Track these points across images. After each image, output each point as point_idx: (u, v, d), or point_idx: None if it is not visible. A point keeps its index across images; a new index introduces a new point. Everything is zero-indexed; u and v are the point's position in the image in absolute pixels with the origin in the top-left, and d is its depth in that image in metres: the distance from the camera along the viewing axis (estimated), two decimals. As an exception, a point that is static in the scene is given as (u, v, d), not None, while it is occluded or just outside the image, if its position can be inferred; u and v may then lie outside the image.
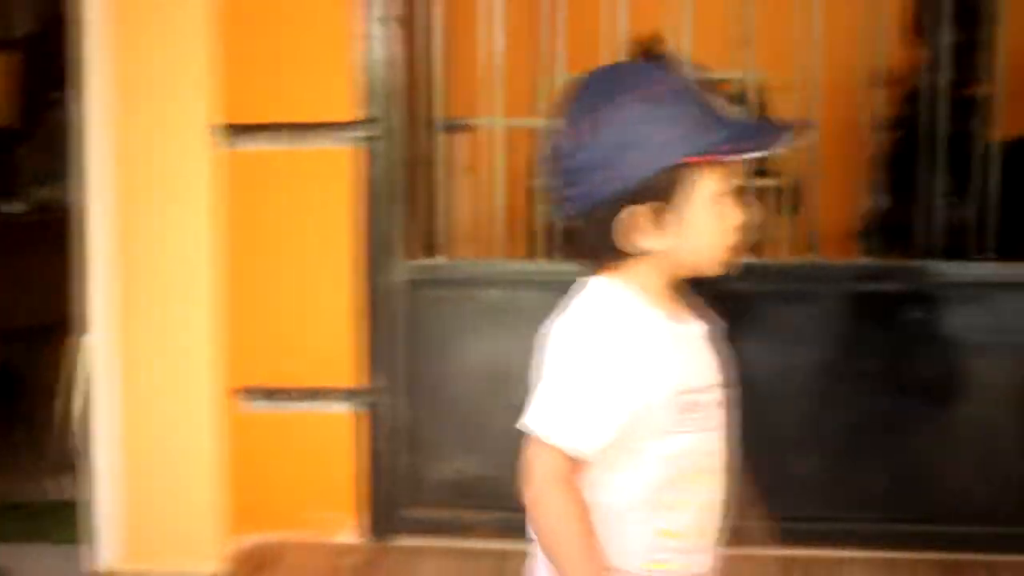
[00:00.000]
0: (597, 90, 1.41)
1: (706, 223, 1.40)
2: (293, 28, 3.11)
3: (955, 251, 3.13)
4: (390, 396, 3.14)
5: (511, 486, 3.09)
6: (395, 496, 3.17)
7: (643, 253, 1.41)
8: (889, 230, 3.63)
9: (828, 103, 3.46)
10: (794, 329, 3.03)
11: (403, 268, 3.12)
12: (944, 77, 3.07)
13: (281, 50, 3.11)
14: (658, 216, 1.38)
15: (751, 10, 3.07)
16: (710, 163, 1.38)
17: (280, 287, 3.15)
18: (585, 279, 1.45)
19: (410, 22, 3.15)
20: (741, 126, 1.42)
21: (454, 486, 3.16)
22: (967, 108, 3.14)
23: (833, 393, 3.03)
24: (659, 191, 1.38)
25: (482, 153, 3.51)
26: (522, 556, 3.02)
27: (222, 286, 3.11)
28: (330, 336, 3.15)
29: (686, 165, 1.37)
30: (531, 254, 3.52)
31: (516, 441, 3.09)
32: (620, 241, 1.40)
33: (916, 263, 3.12)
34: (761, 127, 1.47)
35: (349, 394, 3.15)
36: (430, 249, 3.20)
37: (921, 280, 3.06)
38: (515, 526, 3.10)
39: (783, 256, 3.50)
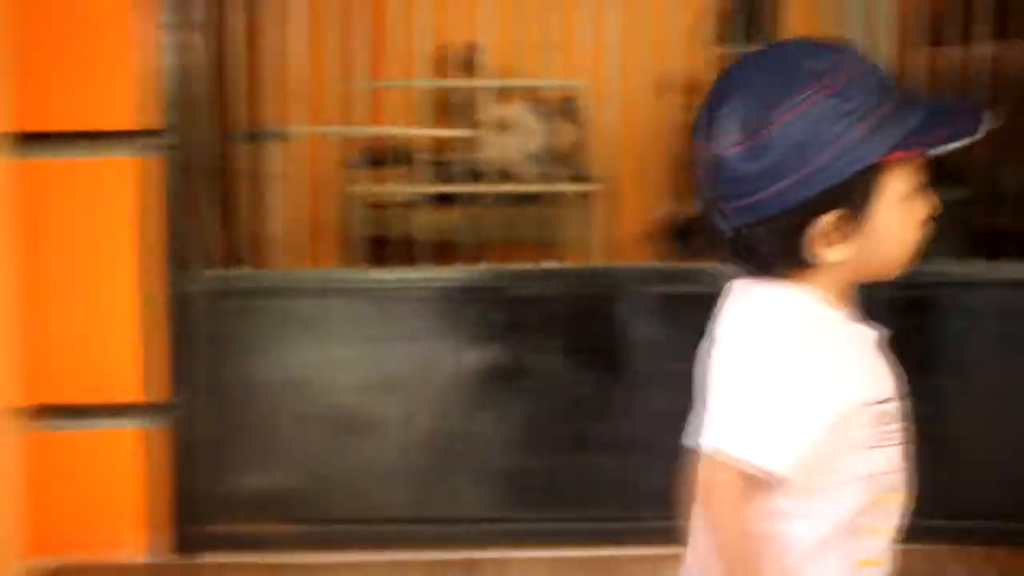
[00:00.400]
0: (766, 83, 1.21)
1: (898, 225, 1.24)
2: (85, 35, 3.00)
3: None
4: (191, 410, 3.06)
5: (316, 498, 3.10)
6: (199, 512, 3.10)
7: (826, 262, 1.25)
8: (693, 233, 3.73)
9: (636, 108, 3.55)
10: (589, 332, 3.08)
11: (204, 279, 3.05)
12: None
13: (72, 57, 3.00)
14: (846, 224, 1.22)
15: (555, 15, 3.11)
16: (905, 158, 1.22)
17: (70, 301, 3.04)
18: (746, 285, 1.31)
19: (211, 29, 3.09)
20: (933, 109, 1.23)
21: (260, 500, 3.11)
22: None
23: (627, 395, 3.09)
24: (849, 197, 1.21)
25: (294, 162, 3.48)
26: (328, 568, 3.02)
27: (9, 300, 2.99)
28: (121, 351, 3.05)
29: (878, 164, 1.21)
30: (343, 262, 3.51)
31: (321, 452, 3.09)
32: (801, 252, 1.24)
33: (708, 266, 3.19)
34: (956, 108, 1.26)
35: (145, 409, 3.06)
36: (236, 259, 3.14)
37: (714, 283, 3.14)
38: (320, 538, 3.10)
39: (586, 260, 3.55)
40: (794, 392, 1.21)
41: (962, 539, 3.10)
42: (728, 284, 1.32)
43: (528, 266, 3.18)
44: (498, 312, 3.06)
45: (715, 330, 1.31)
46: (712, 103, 1.24)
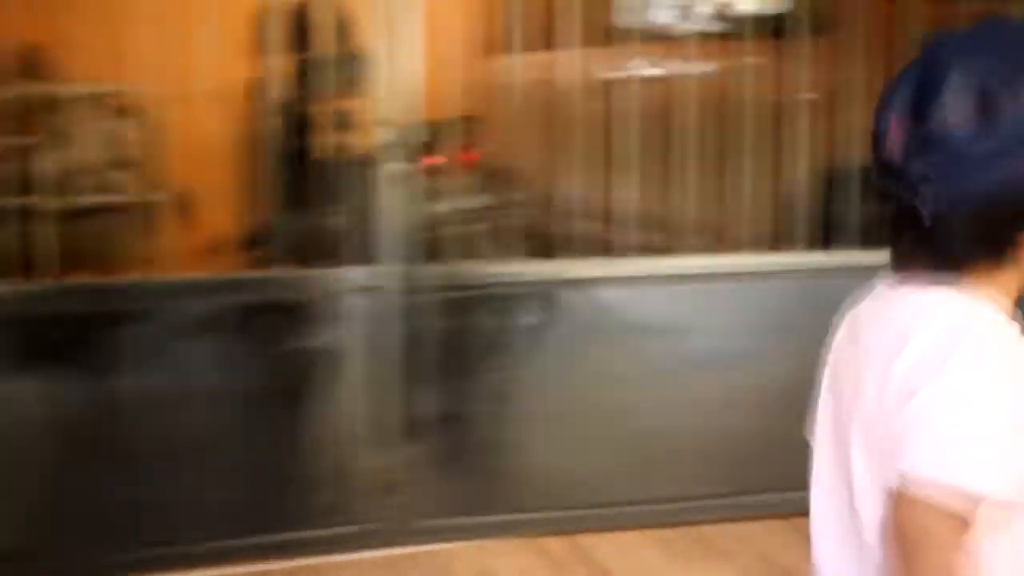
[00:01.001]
0: (999, 60, 1.15)
1: None
2: None
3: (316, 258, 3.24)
4: None
5: None
6: None
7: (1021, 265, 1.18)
8: (269, 241, 3.70)
9: (206, 117, 3.48)
10: (140, 349, 2.98)
11: None
12: (283, 94, 3.16)
13: None
14: None
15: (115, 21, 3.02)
16: None
17: None
18: (902, 290, 1.20)
19: None
20: None
21: None
22: (308, 125, 3.26)
23: (191, 410, 3.01)
24: None
25: None
26: None
27: None
28: None
29: None
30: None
31: None
32: (1003, 248, 1.16)
33: (273, 275, 3.17)
34: None
35: None
36: None
37: (275, 291, 3.12)
38: None
39: (159, 272, 3.45)
40: (1007, 414, 1.12)
41: (514, 533, 3.23)
42: (873, 285, 1.23)
43: (45, 284, 2.98)
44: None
45: (870, 337, 1.20)
46: (925, 79, 1.17)
